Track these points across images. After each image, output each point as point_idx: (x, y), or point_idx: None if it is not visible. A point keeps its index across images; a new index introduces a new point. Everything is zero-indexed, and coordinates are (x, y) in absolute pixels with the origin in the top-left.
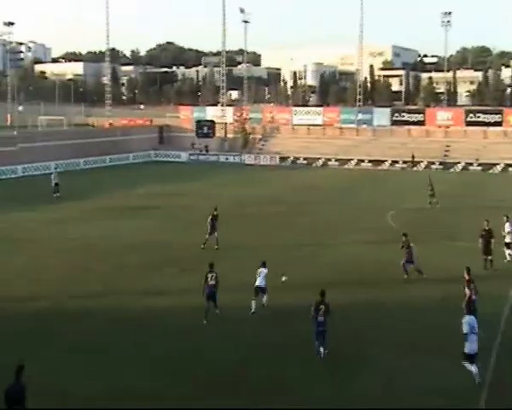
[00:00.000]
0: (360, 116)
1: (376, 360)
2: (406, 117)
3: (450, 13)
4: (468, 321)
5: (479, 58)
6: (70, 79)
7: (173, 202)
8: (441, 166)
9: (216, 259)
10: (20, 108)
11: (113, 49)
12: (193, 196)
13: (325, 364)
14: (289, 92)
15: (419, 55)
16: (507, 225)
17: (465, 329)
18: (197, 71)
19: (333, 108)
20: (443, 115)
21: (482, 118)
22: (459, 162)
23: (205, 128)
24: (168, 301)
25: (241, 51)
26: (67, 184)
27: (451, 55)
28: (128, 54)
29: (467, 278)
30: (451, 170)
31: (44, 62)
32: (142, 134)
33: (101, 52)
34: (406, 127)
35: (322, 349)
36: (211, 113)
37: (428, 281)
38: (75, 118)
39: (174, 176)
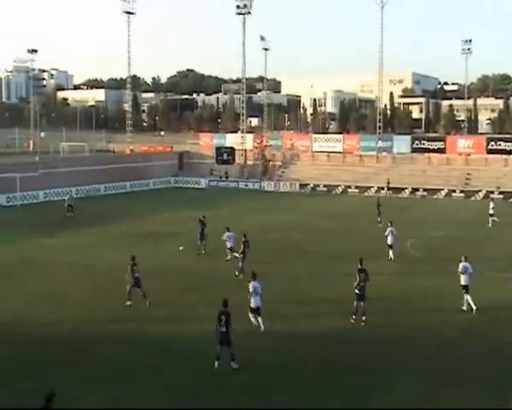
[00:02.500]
0: (380, 143)
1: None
2: (426, 144)
3: (470, 40)
4: (253, 285)
5: (499, 86)
6: (92, 106)
7: (194, 229)
8: (462, 195)
9: (239, 286)
10: (43, 134)
11: (134, 76)
12: (213, 222)
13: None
14: (309, 119)
15: (439, 83)
16: (388, 230)
17: (251, 289)
18: (217, 98)
19: (353, 136)
20: (464, 143)
21: (503, 146)
22: (480, 190)
23: (225, 155)
24: (187, 328)
25: (261, 78)
26: (88, 210)
27: (472, 83)
28: (149, 81)
29: (359, 267)
30: (472, 198)
31: (66, 89)
32: (163, 160)
33: (122, 79)
34: (426, 155)
35: (217, 362)
36: (231, 139)
37: (451, 310)
38: (97, 144)
39: (194, 202)
